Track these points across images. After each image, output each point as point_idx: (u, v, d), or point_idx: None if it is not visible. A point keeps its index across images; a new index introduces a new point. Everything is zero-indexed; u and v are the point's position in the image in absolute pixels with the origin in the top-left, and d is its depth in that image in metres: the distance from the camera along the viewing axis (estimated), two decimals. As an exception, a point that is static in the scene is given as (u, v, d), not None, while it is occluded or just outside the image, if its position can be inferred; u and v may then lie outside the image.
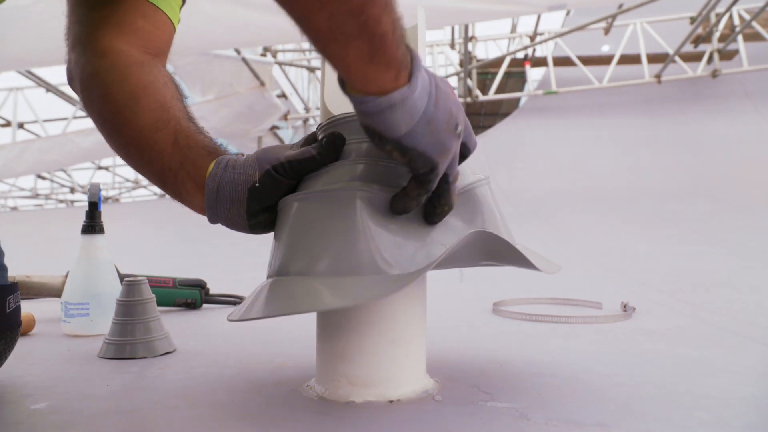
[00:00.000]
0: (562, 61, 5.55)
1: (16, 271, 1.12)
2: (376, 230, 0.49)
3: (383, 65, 0.42)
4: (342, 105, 0.58)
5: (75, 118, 6.53)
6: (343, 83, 0.45)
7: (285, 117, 5.97)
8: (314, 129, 0.60)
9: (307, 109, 6.47)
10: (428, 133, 0.46)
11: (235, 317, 0.51)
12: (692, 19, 5.02)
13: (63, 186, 8.80)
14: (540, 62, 5.91)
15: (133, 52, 0.61)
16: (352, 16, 0.40)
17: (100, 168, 8.72)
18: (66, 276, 1.09)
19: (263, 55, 5.06)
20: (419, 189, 0.49)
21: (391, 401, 0.52)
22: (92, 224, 0.93)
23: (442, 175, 0.49)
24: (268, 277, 0.54)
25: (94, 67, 0.60)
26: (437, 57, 5.97)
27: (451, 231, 0.52)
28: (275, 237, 0.55)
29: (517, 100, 6.44)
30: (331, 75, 0.59)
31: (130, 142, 0.59)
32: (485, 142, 5.03)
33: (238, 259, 2.49)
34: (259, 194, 0.54)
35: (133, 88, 0.59)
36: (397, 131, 0.45)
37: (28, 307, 0.99)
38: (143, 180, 9.13)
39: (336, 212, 0.49)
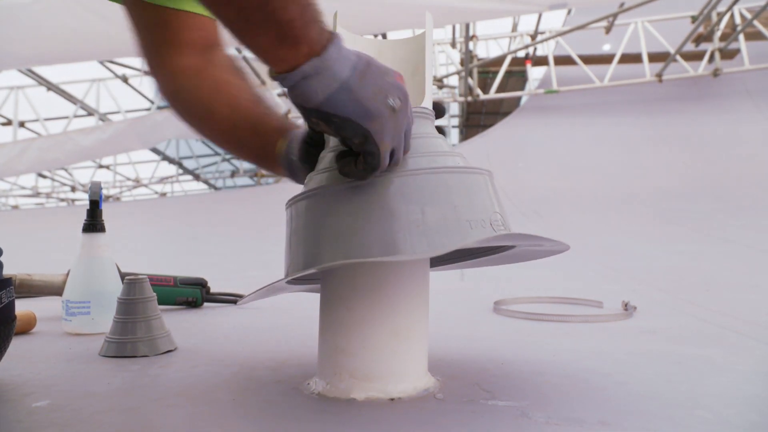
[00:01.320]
0: (563, 60, 5.55)
1: (17, 270, 1.13)
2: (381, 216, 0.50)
3: (293, 45, 0.46)
4: None
5: (76, 116, 6.54)
6: (270, 72, 0.49)
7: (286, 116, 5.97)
8: None
9: (307, 108, 6.45)
10: (351, 100, 0.48)
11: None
12: (693, 18, 5.01)
13: (64, 185, 8.81)
14: (541, 61, 5.91)
15: (193, 63, 0.72)
16: (257, 8, 0.44)
17: (101, 167, 8.73)
18: (67, 274, 1.09)
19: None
20: (365, 165, 0.50)
21: (392, 399, 0.52)
22: (93, 223, 0.93)
23: (386, 151, 0.50)
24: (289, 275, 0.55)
25: (169, 89, 0.74)
26: (438, 56, 5.97)
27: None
28: (295, 234, 0.56)
29: (518, 99, 6.44)
30: None
31: (220, 143, 0.74)
32: (486, 141, 5.03)
33: (239, 258, 2.49)
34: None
35: (206, 101, 0.71)
36: (315, 98, 0.48)
37: (29, 306, 0.99)
38: (144, 179, 9.15)
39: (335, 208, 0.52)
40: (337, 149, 0.54)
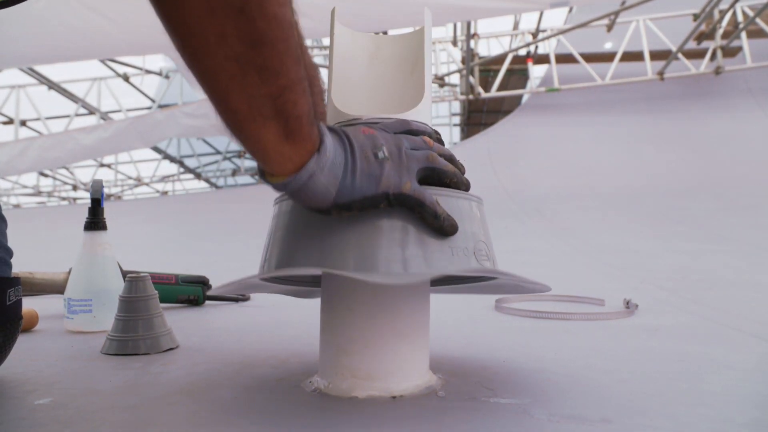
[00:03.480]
0: (565, 58, 5.54)
1: (19, 268, 1.13)
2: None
3: (299, 143, 0.44)
4: (348, 101, 0.58)
5: (77, 115, 6.54)
6: (263, 173, 0.46)
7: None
8: None
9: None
10: (358, 179, 0.47)
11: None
12: (695, 16, 5.00)
13: (65, 183, 8.81)
14: (542, 59, 5.90)
15: None
16: (270, 98, 0.41)
17: (102, 165, 8.74)
18: (69, 273, 1.09)
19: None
20: (424, 213, 0.49)
21: (394, 397, 0.52)
22: (95, 221, 0.93)
23: (411, 194, 0.48)
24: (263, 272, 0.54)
25: None
26: (439, 54, 5.96)
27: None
28: (274, 234, 0.55)
29: (519, 97, 6.43)
30: (338, 71, 0.59)
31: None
32: (487, 140, 5.03)
33: (241, 256, 2.49)
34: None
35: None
36: (328, 196, 0.46)
37: (31, 304, 0.99)
38: (145, 177, 9.16)
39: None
40: None
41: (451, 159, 0.54)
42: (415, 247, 0.49)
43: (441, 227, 0.50)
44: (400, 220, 0.50)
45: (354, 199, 0.47)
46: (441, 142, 0.58)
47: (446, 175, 0.52)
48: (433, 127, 0.58)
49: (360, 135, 0.49)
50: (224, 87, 0.40)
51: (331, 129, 0.48)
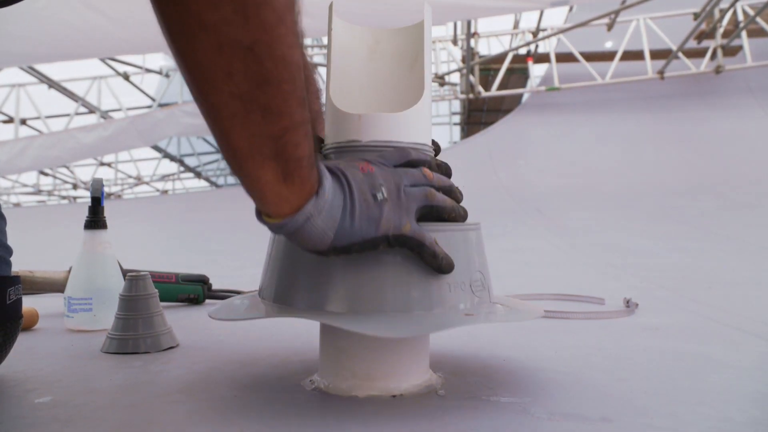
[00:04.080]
0: (565, 58, 5.53)
1: (19, 267, 1.13)
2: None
3: (297, 185, 0.43)
4: (347, 103, 0.57)
5: (77, 114, 6.54)
6: (260, 214, 0.46)
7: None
8: None
9: (309, 106, 6.45)
10: (357, 222, 0.46)
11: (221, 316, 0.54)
12: (696, 15, 4.99)
13: (65, 182, 8.81)
14: (542, 58, 5.89)
15: None
16: (272, 139, 0.41)
17: (102, 164, 8.73)
18: (69, 271, 1.09)
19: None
20: (425, 255, 0.49)
21: (394, 396, 0.52)
22: (95, 219, 0.93)
23: (412, 236, 0.49)
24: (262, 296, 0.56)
25: None
26: (440, 53, 5.96)
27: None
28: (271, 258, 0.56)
29: (520, 96, 6.42)
30: (336, 66, 0.59)
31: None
32: (487, 139, 5.03)
33: (241, 255, 2.49)
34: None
35: None
36: (326, 239, 0.46)
37: (31, 303, 0.99)
38: (145, 176, 9.15)
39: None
40: None
41: (449, 190, 0.54)
42: (415, 285, 0.50)
43: (439, 267, 0.50)
44: (399, 257, 0.50)
45: (353, 242, 0.47)
46: (438, 154, 0.58)
47: (444, 211, 0.52)
48: (432, 126, 0.58)
49: (358, 174, 0.48)
50: (227, 124, 0.40)
51: (329, 170, 0.47)
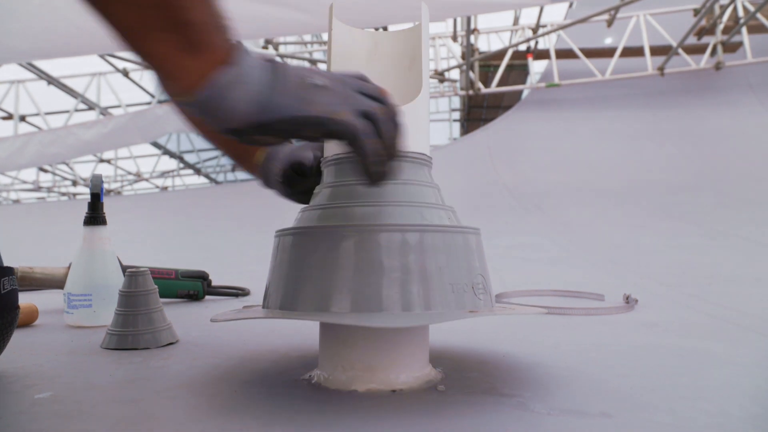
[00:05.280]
0: (565, 54, 5.52)
1: (18, 263, 1.13)
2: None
3: (205, 53, 0.41)
4: None
5: (77, 110, 6.53)
6: (171, 92, 0.43)
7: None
8: None
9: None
10: (281, 97, 0.43)
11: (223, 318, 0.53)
12: (696, 11, 4.98)
13: (65, 179, 8.80)
14: (542, 55, 5.88)
15: None
16: (158, 7, 0.38)
17: (102, 161, 8.73)
18: (68, 267, 1.09)
19: (265, 47, 5.04)
20: (358, 150, 0.45)
21: (394, 390, 0.52)
22: (94, 215, 0.93)
23: (350, 125, 0.44)
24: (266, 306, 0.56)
25: None
26: (439, 49, 5.95)
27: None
28: (277, 268, 0.56)
29: (520, 92, 6.41)
30: (337, 68, 0.59)
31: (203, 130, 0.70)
32: (487, 135, 5.02)
33: (241, 252, 2.49)
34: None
35: None
36: (242, 111, 0.42)
37: (31, 299, 0.99)
38: (145, 173, 9.15)
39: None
40: (334, 183, 0.54)
41: (395, 128, 0.48)
42: (416, 285, 0.50)
43: (367, 168, 0.46)
44: (400, 262, 0.50)
45: (276, 118, 0.43)
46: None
47: (367, 140, 0.46)
48: (432, 122, 0.58)
49: (297, 66, 0.46)
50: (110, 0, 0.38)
51: (262, 57, 0.44)
